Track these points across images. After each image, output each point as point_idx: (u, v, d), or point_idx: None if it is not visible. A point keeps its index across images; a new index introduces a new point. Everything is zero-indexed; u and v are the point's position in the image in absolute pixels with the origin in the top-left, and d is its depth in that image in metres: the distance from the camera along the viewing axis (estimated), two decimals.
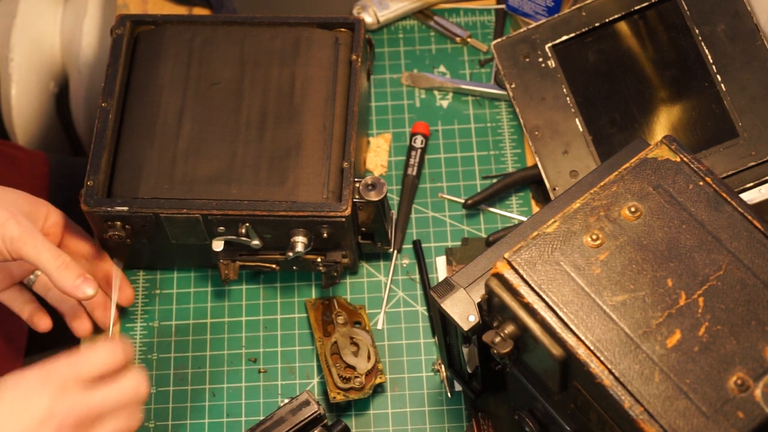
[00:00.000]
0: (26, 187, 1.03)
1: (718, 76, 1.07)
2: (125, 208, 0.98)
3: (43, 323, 1.03)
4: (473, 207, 1.11)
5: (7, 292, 1.03)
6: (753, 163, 1.05)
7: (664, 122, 1.08)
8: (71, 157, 1.44)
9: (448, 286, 0.83)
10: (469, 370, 0.92)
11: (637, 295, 0.75)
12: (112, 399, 0.84)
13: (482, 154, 1.15)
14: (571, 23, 1.11)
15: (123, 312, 1.08)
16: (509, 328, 0.77)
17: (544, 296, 0.75)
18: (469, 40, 1.20)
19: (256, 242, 1.00)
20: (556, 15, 1.11)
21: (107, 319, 1.04)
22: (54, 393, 0.81)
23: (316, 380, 1.04)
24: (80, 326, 1.04)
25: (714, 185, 0.79)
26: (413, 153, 1.14)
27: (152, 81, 1.06)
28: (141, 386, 0.86)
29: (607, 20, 1.10)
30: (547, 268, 0.76)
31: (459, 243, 1.10)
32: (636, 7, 1.10)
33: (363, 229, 1.03)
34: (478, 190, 1.12)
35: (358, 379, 1.00)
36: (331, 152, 1.01)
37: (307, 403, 0.93)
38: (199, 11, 1.22)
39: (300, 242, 0.99)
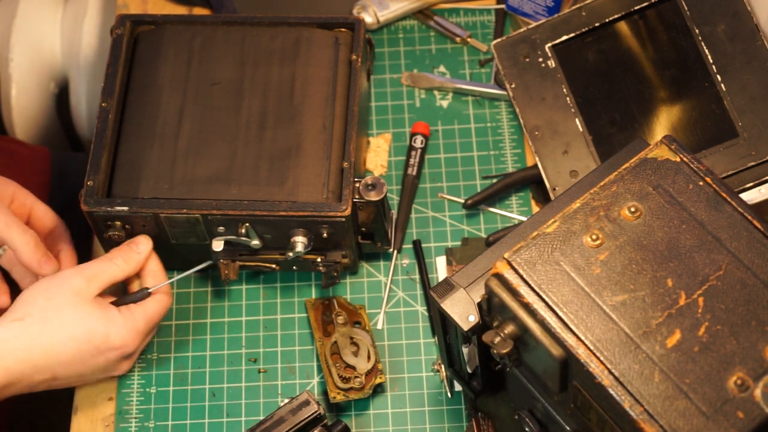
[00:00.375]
0: (27, 183, 1.04)
1: (718, 76, 1.07)
2: (125, 208, 0.98)
3: (2, 299, 1.04)
4: (473, 207, 1.11)
5: None
6: (753, 163, 1.05)
7: (664, 122, 1.08)
8: (73, 153, 1.44)
9: (448, 286, 0.83)
10: (469, 370, 0.92)
11: (637, 295, 0.75)
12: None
13: (482, 154, 1.15)
14: (571, 23, 1.11)
15: None
16: (509, 328, 0.77)
17: (544, 296, 0.75)
18: (469, 40, 1.20)
19: (256, 242, 1.00)
20: (556, 15, 1.11)
21: None
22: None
23: (316, 380, 1.04)
24: None
25: (714, 185, 0.79)
26: (413, 153, 1.14)
27: (152, 81, 1.06)
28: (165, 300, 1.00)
29: (607, 20, 1.10)
30: (547, 268, 0.76)
31: (459, 243, 1.10)
32: (636, 7, 1.10)
33: (363, 229, 1.03)
34: (478, 190, 1.12)
35: (358, 379, 1.00)
36: (331, 152, 1.01)
37: (307, 403, 0.93)
38: (199, 11, 1.22)
39: (300, 242, 0.99)
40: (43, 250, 0.98)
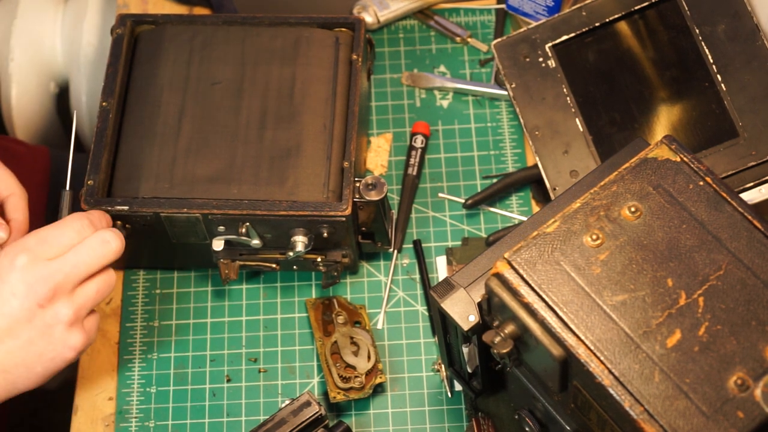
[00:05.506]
0: (26, 182, 1.03)
1: (718, 76, 1.07)
2: (125, 208, 0.98)
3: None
4: (473, 207, 1.11)
5: None
6: (753, 163, 1.05)
7: (664, 122, 1.08)
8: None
9: (448, 286, 0.83)
10: (469, 370, 0.92)
11: (637, 295, 0.75)
12: (83, 259, 0.83)
13: (482, 154, 1.15)
14: (571, 23, 1.11)
15: (123, 311, 1.08)
16: (509, 328, 0.77)
17: (544, 296, 0.75)
18: (469, 39, 1.21)
19: (256, 242, 1.00)
20: (556, 15, 1.11)
21: None
22: (25, 267, 0.81)
23: (316, 380, 1.04)
24: None
25: (714, 185, 0.79)
26: (413, 153, 1.14)
27: (152, 81, 1.06)
28: (111, 240, 0.85)
29: (607, 20, 1.10)
30: (547, 268, 0.76)
31: (459, 243, 1.10)
32: (636, 7, 1.10)
33: (363, 228, 1.03)
34: (478, 190, 1.12)
35: (358, 379, 1.00)
36: (332, 152, 1.02)
37: (308, 404, 0.93)
38: (200, 11, 1.22)
39: (300, 242, 0.99)
40: None
